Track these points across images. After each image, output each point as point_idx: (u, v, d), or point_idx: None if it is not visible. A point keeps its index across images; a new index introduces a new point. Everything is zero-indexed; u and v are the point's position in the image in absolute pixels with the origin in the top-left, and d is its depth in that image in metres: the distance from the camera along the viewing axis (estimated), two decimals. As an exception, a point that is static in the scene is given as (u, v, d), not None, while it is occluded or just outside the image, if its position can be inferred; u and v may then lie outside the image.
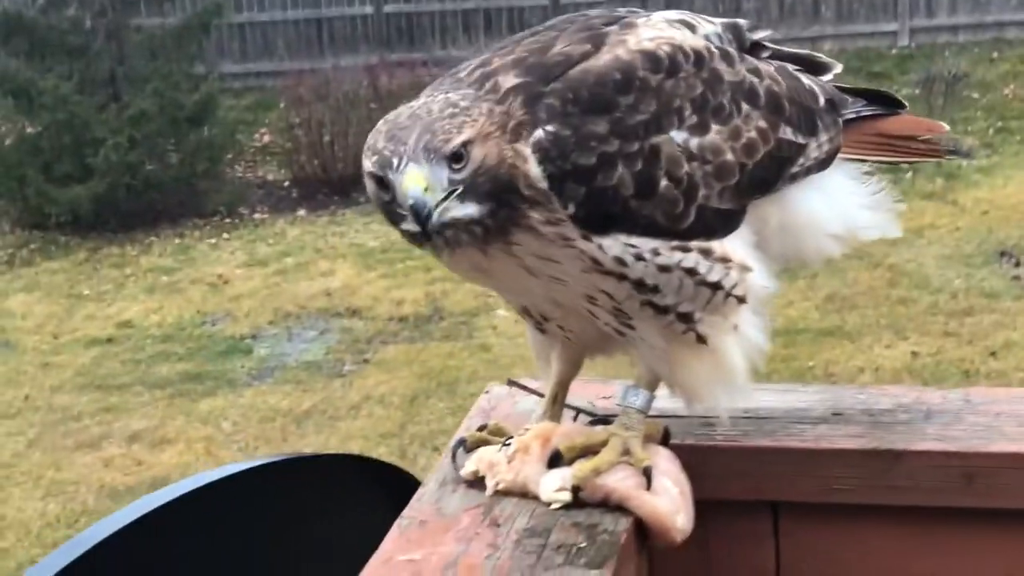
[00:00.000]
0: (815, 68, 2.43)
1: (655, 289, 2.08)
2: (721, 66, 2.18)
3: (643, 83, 2.08)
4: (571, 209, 2.00)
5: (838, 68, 2.48)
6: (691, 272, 2.09)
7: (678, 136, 2.09)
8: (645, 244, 2.05)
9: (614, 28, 2.17)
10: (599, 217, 2.02)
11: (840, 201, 2.36)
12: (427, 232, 1.98)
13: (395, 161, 1.97)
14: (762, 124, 2.20)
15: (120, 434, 10.39)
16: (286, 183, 18.74)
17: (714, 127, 2.14)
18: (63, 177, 16.84)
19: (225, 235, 16.47)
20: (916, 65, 19.97)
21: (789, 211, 2.28)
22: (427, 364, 11.24)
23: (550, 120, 2.02)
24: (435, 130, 1.98)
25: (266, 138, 20.37)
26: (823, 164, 2.32)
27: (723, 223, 2.14)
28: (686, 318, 2.13)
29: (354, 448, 9.63)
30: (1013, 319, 10.87)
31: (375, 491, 2.96)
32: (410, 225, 2.00)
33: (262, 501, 2.94)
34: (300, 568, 2.93)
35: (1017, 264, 12.22)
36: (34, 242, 16.49)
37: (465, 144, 1.97)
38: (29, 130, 17.97)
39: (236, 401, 10.89)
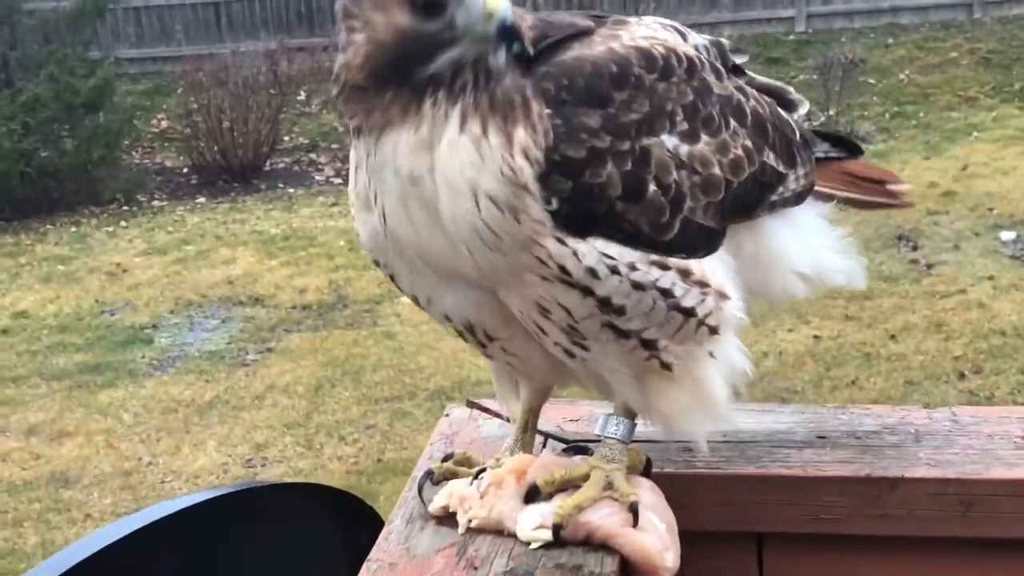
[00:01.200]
0: (785, 104, 2.38)
1: (621, 310, 1.94)
2: (711, 77, 2.11)
3: (638, 80, 1.97)
4: (554, 204, 1.86)
5: (805, 107, 2.44)
6: (666, 294, 1.96)
7: (669, 141, 1.98)
8: (623, 256, 1.91)
9: (605, 21, 2.08)
10: (582, 216, 1.89)
11: (811, 239, 2.31)
12: (524, 51, 1.86)
13: None
14: (748, 144, 2.12)
15: (17, 427, 10.18)
16: (185, 169, 18.50)
17: (704, 137, 2.04)
18: (-46, 165, 16.48)
19: (123, 223, 16.21)
20: (813, 51, 20.22)
21: (763, 241, 2.20)
22: (331, 352, 11.14)
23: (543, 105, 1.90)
24: None
25: (164, 124, 20.10)
26: (799, 198, 2.27)
27: (705, 241, 2.03)
28: (649, 345, 2.00)
29: (259, 438, 9.53)
30: (911, 302, 11.03)
31: (329, 520, 2.83)
32: (472, 49, 1.85)
33: (215, 536, 2.80)
34: None
35: (915, 248, 12.42)
36: (-76, 231, 16.13)
37: None
38: (-82, 116, 17.55)
39: (137, 392, 10.71)
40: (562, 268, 1.90)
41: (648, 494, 2.07)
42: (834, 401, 9.15)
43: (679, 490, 2.16)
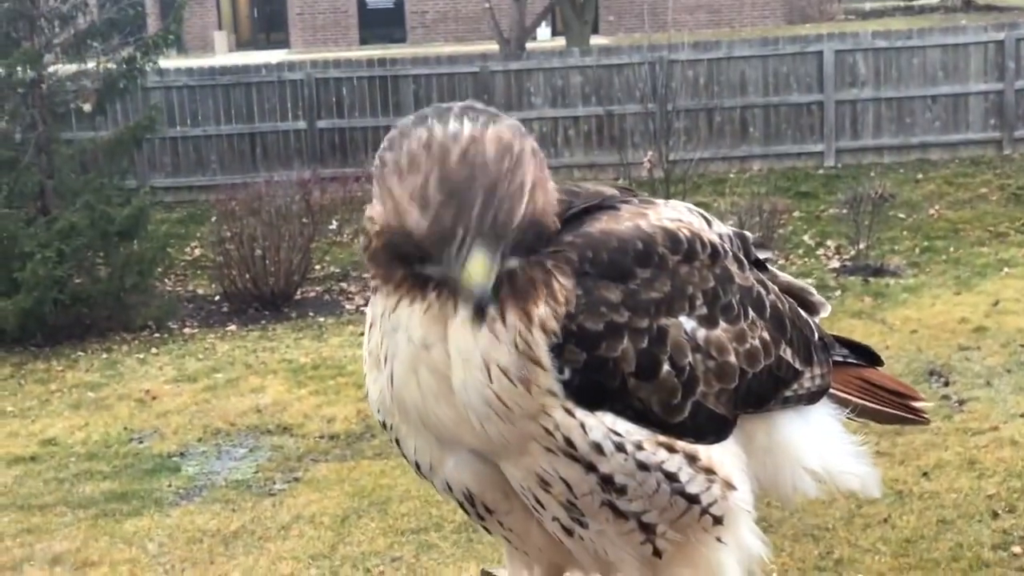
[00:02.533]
0: (806, 305, 2.37)
1: (622, 490, 1.91)
2: (733, 267, 2.09)
3: (662, 260, 1.96)
4: (566, 375, 1.84)
5: (827, 310, 2.41)
6: (671, 477, 1.93)
7: (687, 323, 1.97)
8: (631, 434, 1.89)
9: (632, 198, 2.07)
10: (594, 389, 1.86)
11: (824, 439, 2.28)
12: (484, 318, 1.82)
13: (459, 234, 1.77)
14: (766, 336, 2.11)
15: (42, 556, 10.11)
16: (216, 297, 18.60)
17: (722, 324, 2.02)
18: (-11, 291, 16.62)
19: (154, 350, 16.27)
20: (843, 185, 20.30)
21: (775, 434, 2.18)
22: (358, 483, 11.08)
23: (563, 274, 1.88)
24: (502, 198, 1.78)
25: (197, 252, 20.27)
26: (813, 397, 2.25)
27: (715, 428, 2.00)
28: (647, 528, 1.96)
29: (284, 570, 9.44)
30: (944, 439, 10.91)
31: None
32: (465, 301, 1.83)
33: None
34: None
35: (946, 383, 12.32)
36: (-43, 357, 16.20)
37: (525, 195, 1.81)
38: (-45, 243, 17.74)
39: (162, 521, 10.65)
40: (568, 441, 1.87)
41: None
42: (867, 539, 9.03)
43: None
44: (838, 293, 15.59)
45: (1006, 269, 17.12)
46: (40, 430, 13.32)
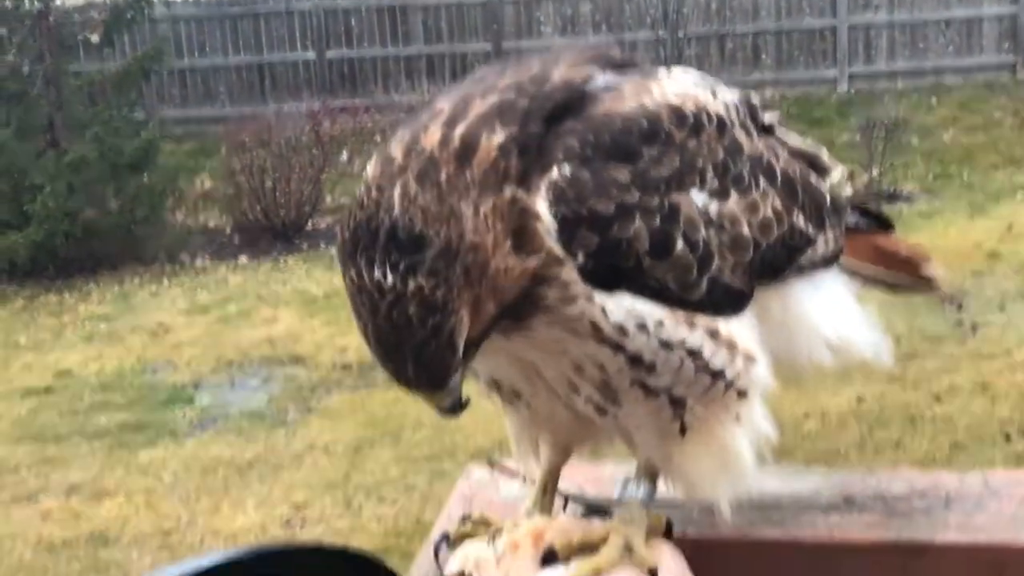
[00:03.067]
0: (817, 168, 2.31)
1: (651, 367, 1.90)
2: (741, 136, 2.06)
3: (668, 137, 1.93)
4: (579, 259, 1.82)
5: (838, 171, 2.36)
6: (695, 354, 1.93)
7: (698, 198, 1.94)
8: (652, 314, 1.88)
9: (634, 72, 2.03)
10: (608, 273, 1.85)
11: (839, 308, 2.26)
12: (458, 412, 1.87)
13: (403, 383, 1.79)
14: (778, 205, 2.07)
15: (58, 486, 10.17)
16: (228, 229, 18.59)
17: (733, 196, 1.99)
18: (0, 225, 16.61)
19: (166, 282, 16.28)
20: (856, 111, 20.15)
21: (791, 305, 2.16)
22: (371, 412, 11.11)
23: (567, 160, 1.85)
24: (429, 363, 1.76)
25: (207, 184, 20.22)
26: (827, 263, 2.23)
27: (732, 302, 1.99)
28: (677, 403, 1.97)
29: (298, 498, 9.48)
30: (956, 363, 10.90)
31: None
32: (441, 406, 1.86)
33: None
34: None
35: (960, 308, 12.29)
36: (-30, 290, 16.24)
37: (463, 337, 1.76)
38: (-34, 177, 17.74)
39: (177, 452, 10.70)
40: (593, 324, 1.87)
41: (668, 559, 2.02)
42: (879, 463, 9.03)
43: (702, 554, 2.10)
44: (851, 219, 15.51)
45: (1020, 193, 17.03)
46: (54, 362, 13.37)
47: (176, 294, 15.68)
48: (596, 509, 2.22)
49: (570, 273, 1.84)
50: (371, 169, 1.84)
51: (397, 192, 1.75)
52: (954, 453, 9.18)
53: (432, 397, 1.82)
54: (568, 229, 1.82)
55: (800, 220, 2.12)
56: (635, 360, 1.90)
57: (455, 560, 2.04)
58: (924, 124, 20.13)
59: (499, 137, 1.82)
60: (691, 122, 1.98)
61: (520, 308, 1.84)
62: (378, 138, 17.39)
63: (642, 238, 1.86)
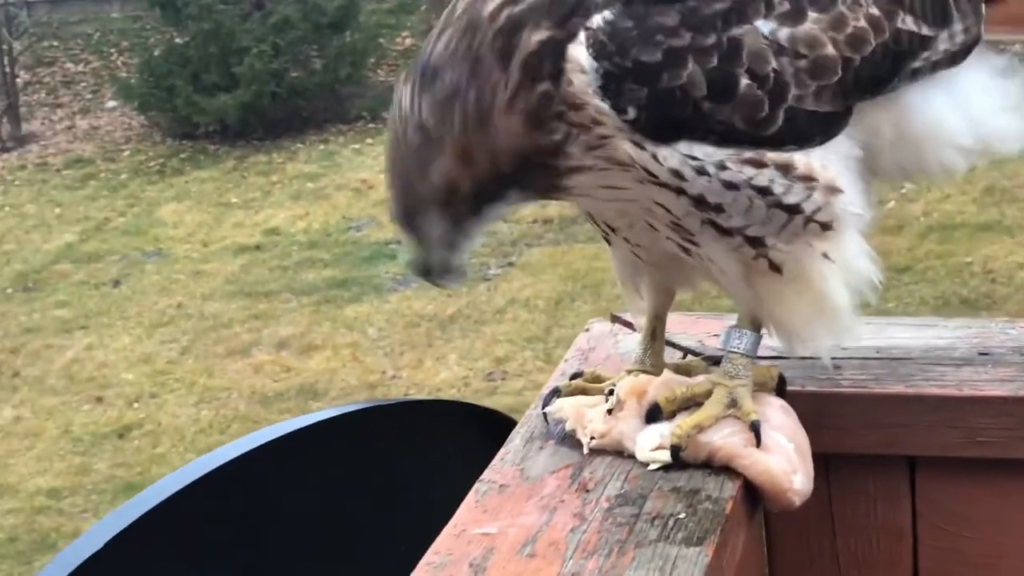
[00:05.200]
0: None
1: (719, 208, 1.79)
2: None
3: None
4: (630, 114, 1.72)
5: None
6: (763, 191, 1.79)
7: (765, 27, 1.77)
8: (710, 156, 1.75)
9: None
10: (665, 123, 1.74)
11: (973, 105, 2.00)
12: (437, 281, 1.89)
13: (392, 217, 1.86)
14: (874, 12, 1.85)
15: (269, 341, 10.51)
16: (429, 86, 18.65)
17: (811, 15, 1.80)
18: (210, 87, 16.97)
19: (369, 140, 16.49)
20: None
21: (907, 118, 1.95)
22: (572, 266, 11.13)
23: (607, 6, 1.73)
24: (405, 183, 1.81)
25: (408, 41, 20.27)
26: (955, 58, 1.97)
27: (822, 127, 1.83)
28: (756, 242, 1.84)
29: (499, 352, 9.61)
30: None
31: (475, 438, 2.76)
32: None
33: (351, 449, 2.77)
34: (392, 518, 2.76)
35: None
36: (183, 152, 16.67)
37: (444, 181, 1.77)
38: (177, 40, 18.12)
39: (382, 307, 10.92)
40: (647, 171, 1.77)
41: (777, 413, 1.94)
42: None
43: (823, 410, 2.03)
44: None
45: None
46: (263, 220, 13.72)
47: (379, 152, 15.85)
48: (713, 362, 2.12)
49: (617, 124, 1.75)
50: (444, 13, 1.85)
51: (443, 39, 1.79)
52: None
53: (410, 241, 1.82)
54: (612, 85, 1.73)
55: (908, 21, 1.90)
56: (699, 201, 1.79)
57: (561, 416, 2.00)
58: None
59: (541, 35, 1.75)
60: None
61: (535, 180, 1.82)
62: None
63: (698, 82, 1.74)
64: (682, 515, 1.79)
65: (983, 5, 2.02)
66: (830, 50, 1.82)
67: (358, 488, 2.72)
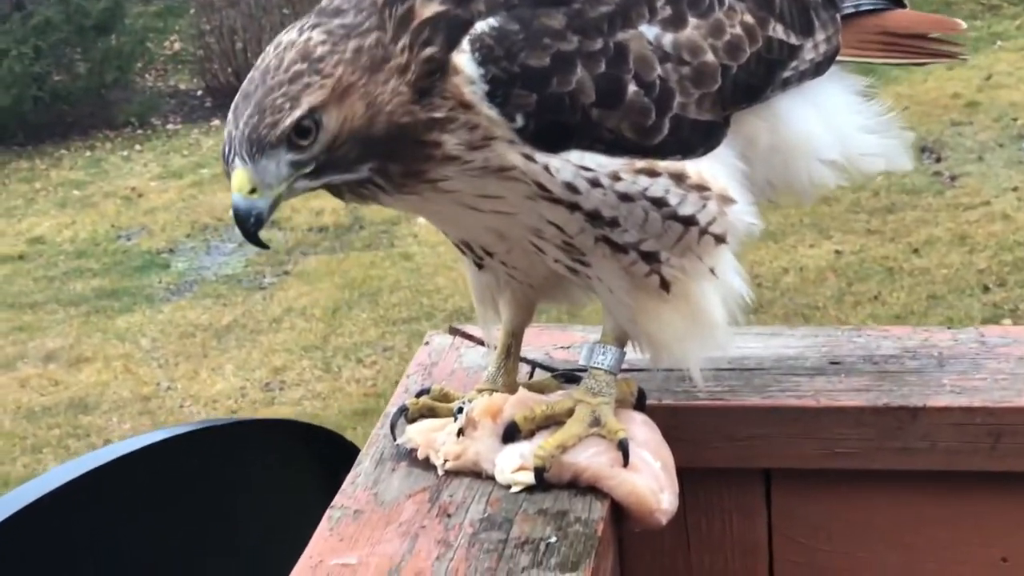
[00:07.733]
0: None
1: (613, 223, 1.75)
2: None
3: None
4: (519, 122, 1.68)
5: None
6: (658, 203, 1.77)
7: (649, 32, 1.76)
8: (603, 166, 1.72)
9: None
10: (553, 131, 1.71)
11: (839, 120, 2.04)
12: (254, 241, 1.74)
13: (226, 151, 1.69)
14: (748, 19, 1.87)
15: (35, 353, 10.16)
16: (199, 92, 18.32)
17: (692, 21, 1.80)
18: (-33, 90, 16.37)
19: (138, 147, 16.09)
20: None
21: (780, 128, 1.96)
22: (348, 274, 11.07)
23: (492, 12, 1.69)
24: (265, 107, 1.67)
25: (176, 45, 19.88)
26: (819, 68, 2.01)
27: (702, 137, 1.82)
28: (650, 258, 1.81)
29: (277, 362, 9.50)
30: (935, 215, 10.88)
31: (308, 459, 2.68)
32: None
33: (189, 469, 2.65)
34: (231, 538, 2.67)
35: (938, 160, 12.23)
36: (-61, 158, 16.03)
37: (312, 113, 1.67)
38: (-70, 42, 17.41)
39: (154, 317, 10.67)
40: (539, 185, 1.73)
41: (641, 429, 1.90)
42: (857, 317, 9.06)
43: (679, 424, 1.99)
44: (829, 71, 15.35)
45: (999, 43, 16.85)
46: (27, 228, 13.26)
47: (148, 159, 15.51)
48: (562, 376, 2.09)
49: (493, 137, 1.71)
50: None
51: None
52: (931, 305, 9.21)
53: (238, 180, 1.69)
54: (500, 91, 1.69)
55: (779, 30, 1.93)
56: (594, 216, 1.76)
57: (410, 439, 1.94)
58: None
59: (432, 8, 1.72)
60: None
61: (403, 157, 1.73)
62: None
63: (587, 88, 1.72)
64: (553, 539, 1.74)
65: (839, 19, 2.05)
66: (710, 57, 1.83)
67: (188, 512, 2.61)
